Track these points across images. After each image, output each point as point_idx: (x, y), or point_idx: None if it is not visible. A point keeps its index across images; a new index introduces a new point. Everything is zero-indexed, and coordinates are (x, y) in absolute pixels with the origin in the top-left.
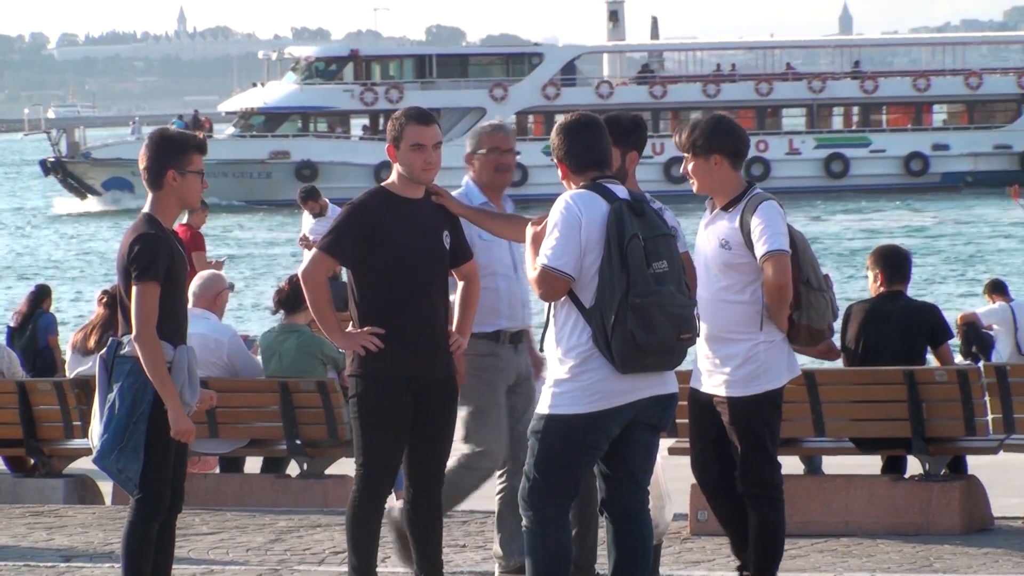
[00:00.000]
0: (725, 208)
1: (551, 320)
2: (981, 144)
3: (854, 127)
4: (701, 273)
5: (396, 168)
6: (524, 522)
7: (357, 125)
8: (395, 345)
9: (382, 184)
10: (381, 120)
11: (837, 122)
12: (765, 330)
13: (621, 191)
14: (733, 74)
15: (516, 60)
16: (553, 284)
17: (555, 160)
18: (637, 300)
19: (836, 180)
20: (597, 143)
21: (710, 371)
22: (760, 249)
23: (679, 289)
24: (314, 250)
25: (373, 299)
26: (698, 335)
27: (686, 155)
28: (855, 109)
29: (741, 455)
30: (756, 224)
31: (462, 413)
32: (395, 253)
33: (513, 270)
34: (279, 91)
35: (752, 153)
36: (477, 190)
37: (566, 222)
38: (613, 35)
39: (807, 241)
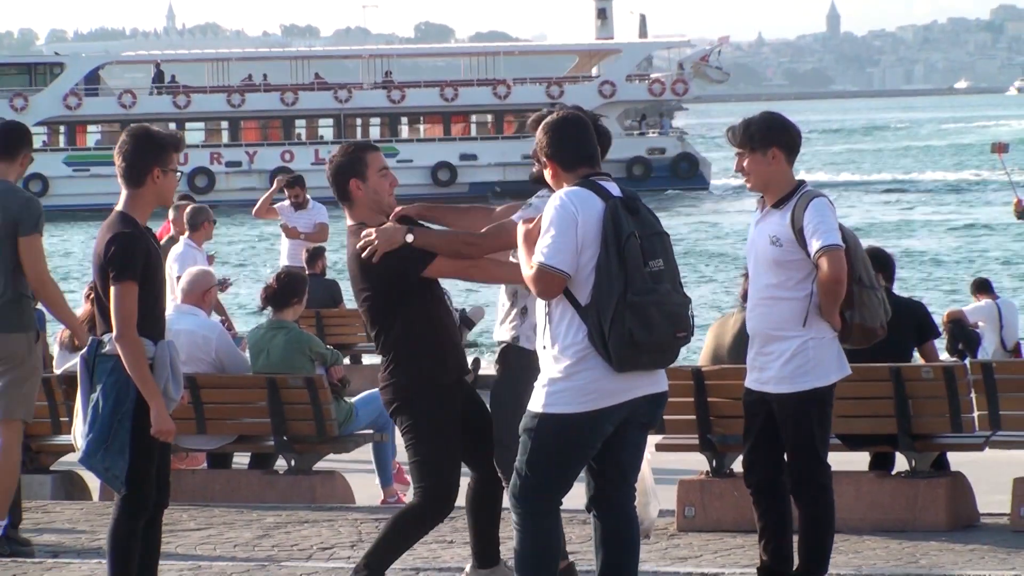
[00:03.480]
0: (776, 205)
1: (546, 318)
2: (509, 154)
3: (381, 137)
4: (752, 271)
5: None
6: (514, 518)
7: None
8: (449, 351)
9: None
10: None
11: (374, 132)
12: (815, 327)
13: (614, 188)
14: (260, 84)
15: (38, 70)
16: (550, 282)
17: (543, 159)
18: (635, 299)
19: None
20: (585, 139)
21: (760, 368)
22: (814, 245)
23: (675, 287)
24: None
25: (426, 309)
26: (692, 334)
27: (741, 151)
28: (384, 119)
29: (789, 453)
30: (808, 220)
31: None
32: None
33: None
34: None
35: (277, 163)
36: None
37: (562, 220)
38: (601, 32)
39: (858, 239)
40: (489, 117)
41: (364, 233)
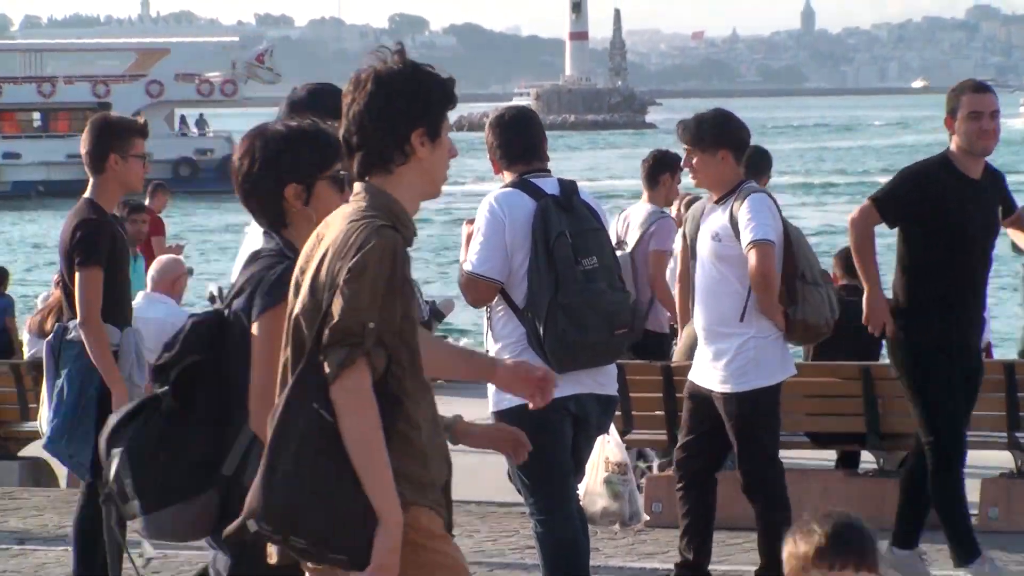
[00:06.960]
0: (718, 201)
1: (488, 320)
2: (54, 153)
3: None
4: (699, 268)
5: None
6: (532, 524)
7: None
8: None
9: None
10: None
11: None
12: (756, 324)
13: (550, 185)
14: None
15: None
16: (480, 290)
17: (491, 158)
18: (567, 300)
19: None
20: (524, 135)
21: (705, 365)
22: (745, 238)
23: (611, 284)
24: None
25: None
26: (634, 329)
27: (690, 149)
28: None
29: (737, 452)
30: (743, 215)
31: None
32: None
33: None
34: None
35: None
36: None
37: (489, 226)
38: (576, 25)
39: (803, 235)
40: (36, 115)
41: None
